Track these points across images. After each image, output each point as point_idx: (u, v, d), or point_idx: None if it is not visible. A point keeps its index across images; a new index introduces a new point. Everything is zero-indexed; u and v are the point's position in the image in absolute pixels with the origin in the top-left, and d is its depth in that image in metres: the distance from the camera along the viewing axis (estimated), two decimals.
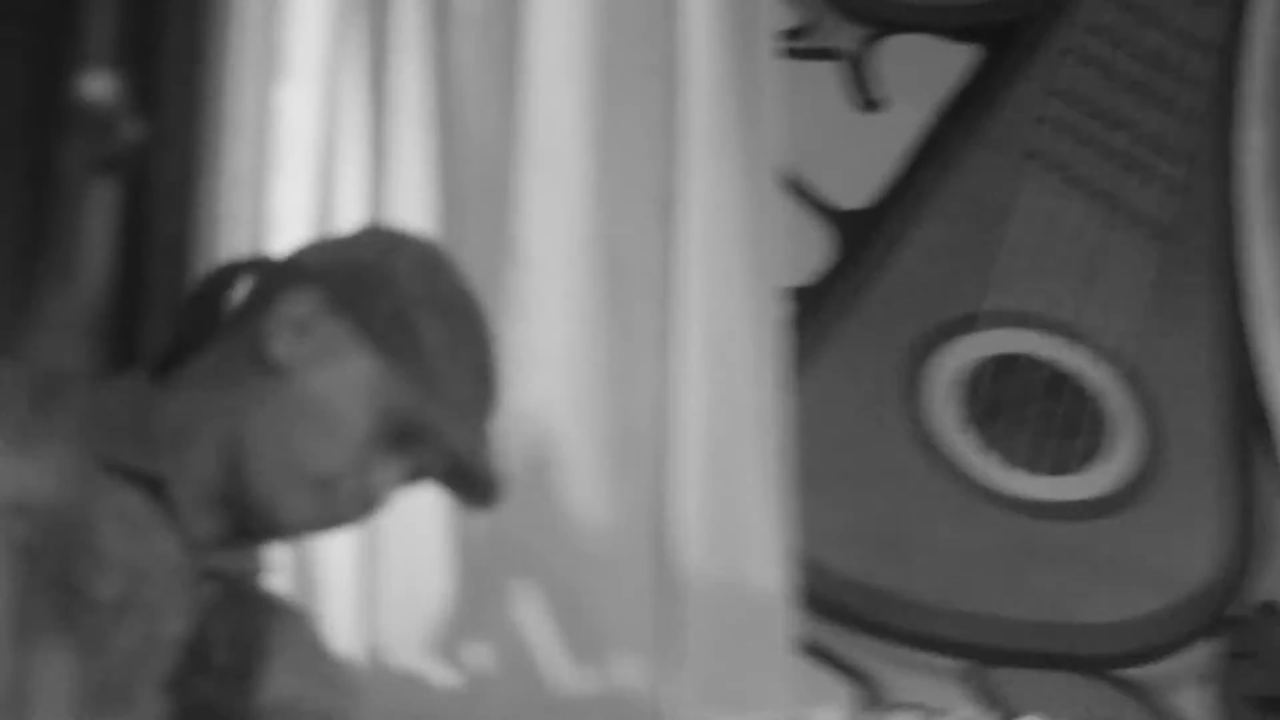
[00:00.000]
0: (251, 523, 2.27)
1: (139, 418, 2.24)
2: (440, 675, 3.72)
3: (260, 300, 2.32)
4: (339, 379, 2.24)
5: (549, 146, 4.03)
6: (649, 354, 4.04)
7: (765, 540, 4.00)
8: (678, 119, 4.10)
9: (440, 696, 3.72)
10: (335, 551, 3.62)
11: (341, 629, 3.59)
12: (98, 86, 1.58)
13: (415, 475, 2.37)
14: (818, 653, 4.15)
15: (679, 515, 3.96)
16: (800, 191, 4.36)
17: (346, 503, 2.29)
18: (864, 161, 4.46)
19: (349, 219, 3.78)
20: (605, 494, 3.94)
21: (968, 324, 4.36)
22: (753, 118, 4.14)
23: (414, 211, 3.84)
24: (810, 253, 4.38)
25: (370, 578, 3.67)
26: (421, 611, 3.72)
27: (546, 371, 3.94)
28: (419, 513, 3.70)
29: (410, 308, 2.31)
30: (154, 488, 2.21)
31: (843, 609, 4.21)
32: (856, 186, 4.44)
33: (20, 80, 3.54)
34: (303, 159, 3.80)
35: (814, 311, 4.34)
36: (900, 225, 4.41)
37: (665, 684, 3.86)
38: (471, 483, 2.38)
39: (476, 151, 3.97)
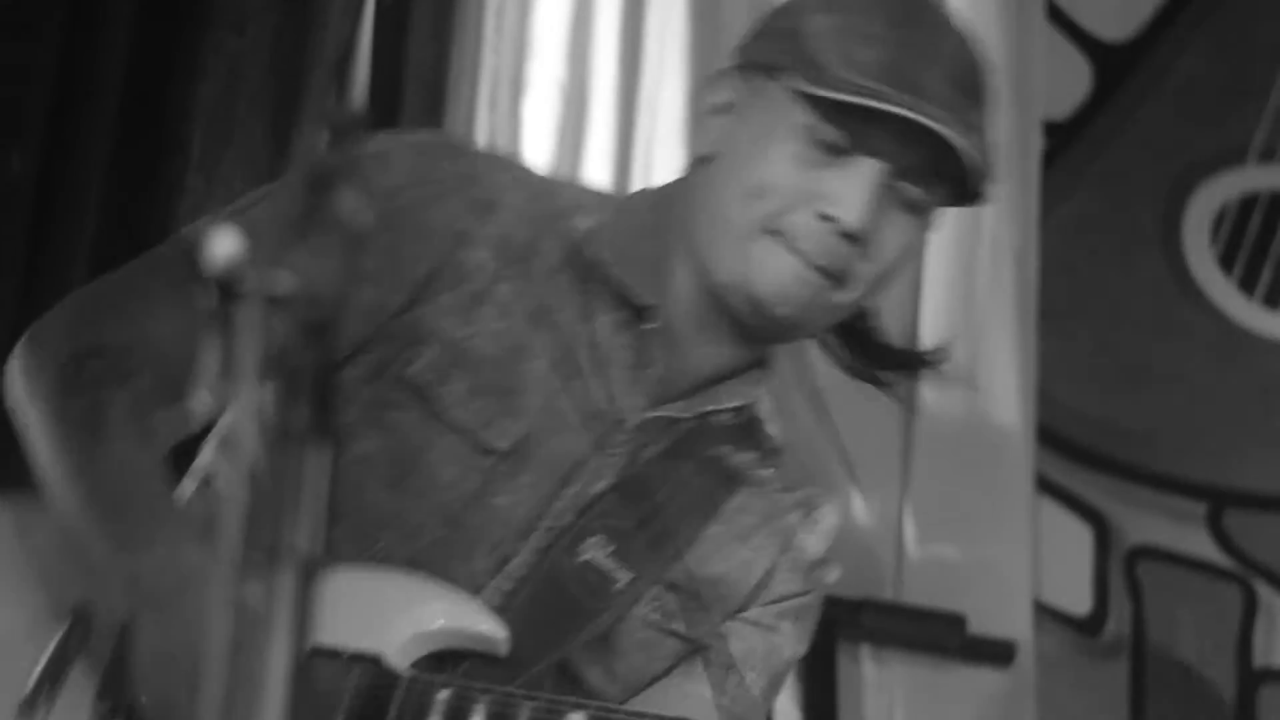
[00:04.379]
0: (736, 310, 2.00)
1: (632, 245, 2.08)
2: None
3: None
4: (747, 128, 2.02)
5: None
6: None
7: (1008, 376, 3.96)
8: None
9: None
10: None
11: None
12: None
13: (892, 186, 1.98)
14: (1055, 490, 4.11)
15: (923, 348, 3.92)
16: (1061, 21, 4.25)
17: (808, 238, 1.99)
18: None
19: (605, 39, 3.75)
20: None
21: (1234, 158, 4.24)
22: None
23: (671, 36, 3.78)
24: (1069, 85, 4.27)
25: None
26: None
27: None
28: None
29: (782, 21, 2.08)
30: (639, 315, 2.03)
31: (1083, 447, 4.16)
32: (1119, 18, 4.32)
33: None
34: None
35: (1070, 146, 4.25)
36: (1163, 59, 4.29)
37: (905, 518, 3.86)
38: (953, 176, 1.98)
39: None
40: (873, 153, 1.98)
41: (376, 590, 1.94)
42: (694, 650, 2.07)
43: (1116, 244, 4.23)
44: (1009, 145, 4.00)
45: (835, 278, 1.99)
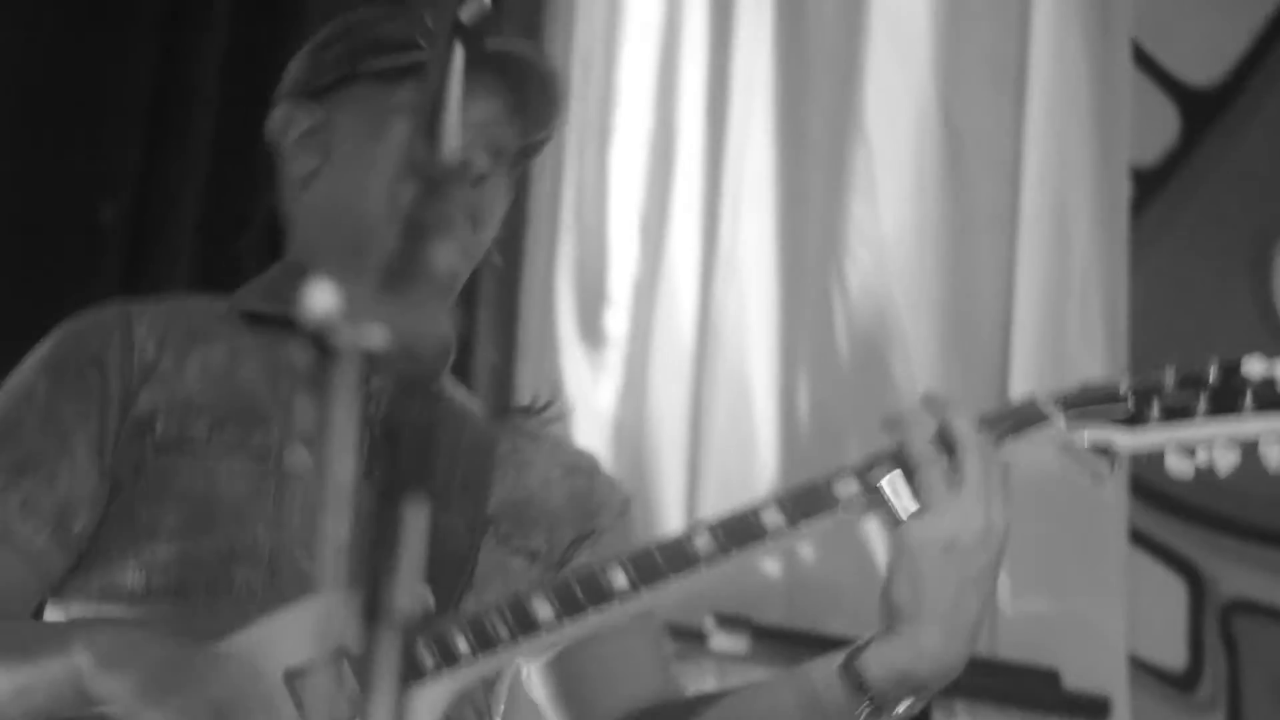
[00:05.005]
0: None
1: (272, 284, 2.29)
2: (767, 562, 3.68)
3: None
4: (347, 130, 2.25)
5: (894, 19, 3.94)
6: (991, 232, 3.95)
7: None
8: None
9: (765, 583, 3.69)
10: (663, 432, 3.63)
11: (668, 509, 3.59)
12: None
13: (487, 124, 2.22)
14: (1149, 543, 4.06)
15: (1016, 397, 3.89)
16: (1148, 66, 4.21)
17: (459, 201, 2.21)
18: (1216, 36, 4.29)
19: (691, 93, 3.74)
20: (943, 374, 3.86)
21: None
22: None
23: (756, 89, 3.77)
24: (1156, 131, 4.24)
25: (696, 458, 3.65)
26: (747, 492, 3.64)
27: (888, 249, 3.87)
28: (745, 388, 3.70)
29: (339, 32, 2.32)
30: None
31: (1177, 499, 4.11)
32: (1206, 63, 4.28)
33: None
34: (645, 36, 3.75)
35: (1158, 193, 4.21)
36: (1251, 103, 4.25)
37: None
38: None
39: (821, 25, 3.89)
40: (470, 104, 2.14)
41: (299, 615, 1.98)
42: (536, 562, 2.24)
43: (1206, 291, 4.19)
44: (1097, 190, 3.98)
45: (476, 220, 2.21)
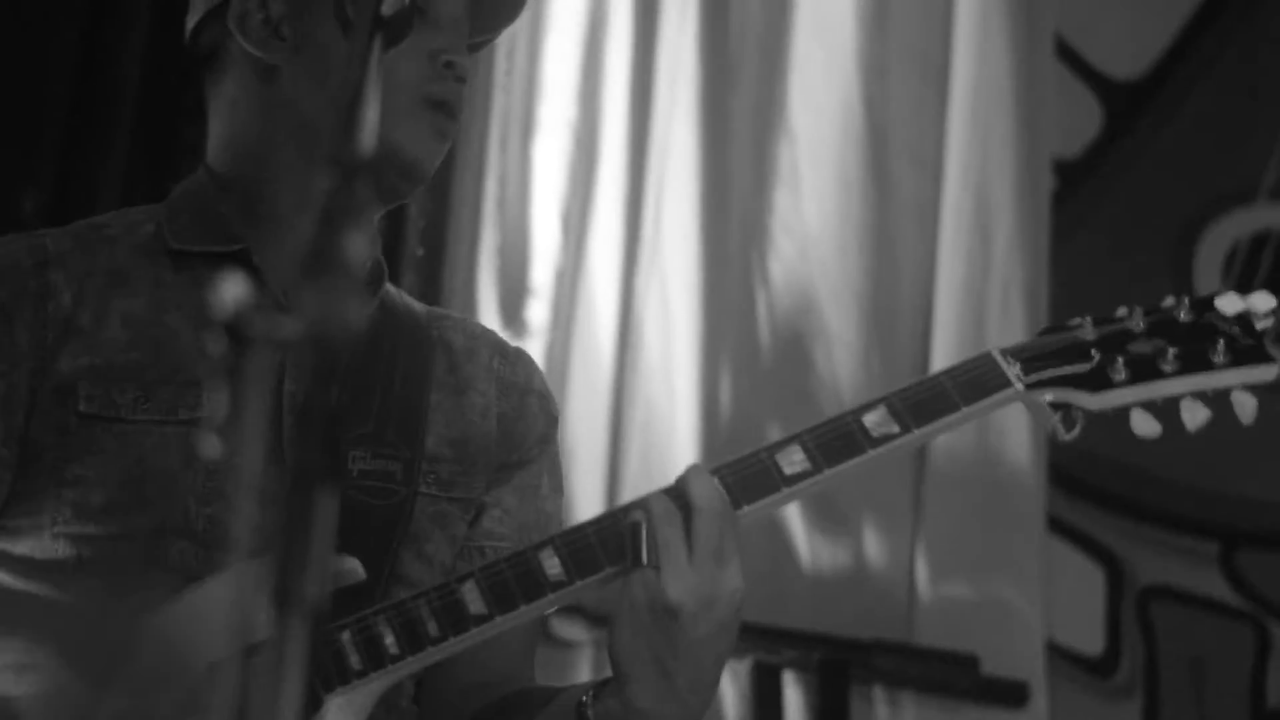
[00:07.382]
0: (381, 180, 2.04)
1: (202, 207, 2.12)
2: None
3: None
4: (327, 19, 2.04)
5: (819, 13, 3.97)
6: (913, 224, 3.99)
7: (1019, 415, 3.94)
8: None
9: None
10: (583, 422, 3.63)
11: (587, 499, 3.60)
12: None
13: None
14: (1067, 530, 4.10)
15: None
16: (1071, 60, 4.25)
17: (444, 91, 2.08)
18: (1138, 30, 4.33)
19: (615, 85, 3.76)
20: (864, 364, 3.90)
21: (1245, 197, 4.23)
22: None
23: (682, 77, 3.79)
24: (1079, 124, 4.27)
25: (616, 448, 3.66)
26: (668, 481, 3.64)
27: (810, 240, 3.90)
28: (667, 380, 3.72)
29: None
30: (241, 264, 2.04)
31: (1095, 487, 4.15)
32: (1129, 56, 4.32)
33: None
34: (570, 28, 3.75)
35: (1080, 185, 4.25)
36: (1173, 97, 4.29)
37: (917, 559, 3.84)
38: None
39: (746, 18, 3.91)
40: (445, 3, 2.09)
41: (218, 591, 1.89)
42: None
43: (1128, 282, 4.22)
44: (1019, 183, 4.01)
45: (453, 113, 2.09)
